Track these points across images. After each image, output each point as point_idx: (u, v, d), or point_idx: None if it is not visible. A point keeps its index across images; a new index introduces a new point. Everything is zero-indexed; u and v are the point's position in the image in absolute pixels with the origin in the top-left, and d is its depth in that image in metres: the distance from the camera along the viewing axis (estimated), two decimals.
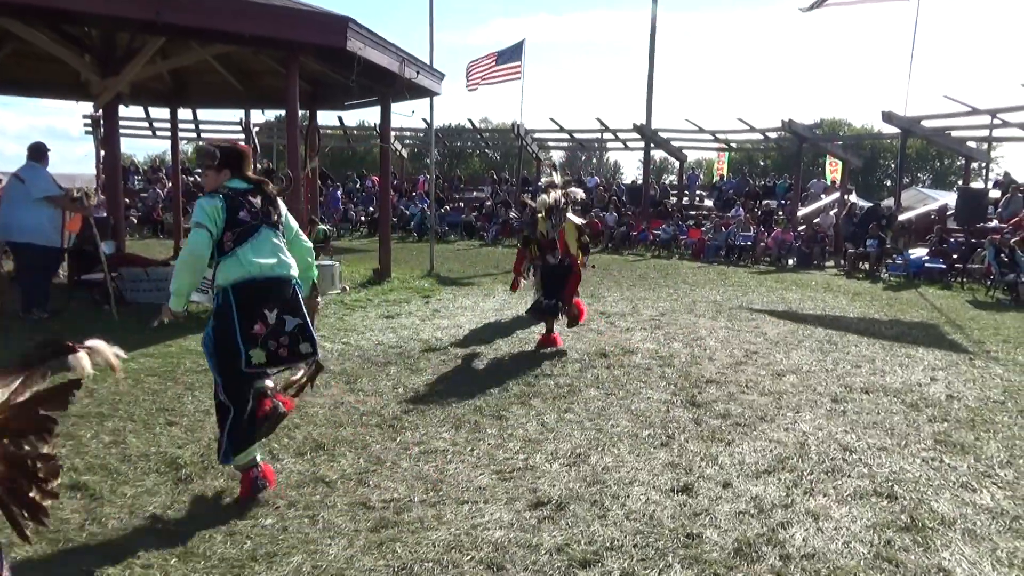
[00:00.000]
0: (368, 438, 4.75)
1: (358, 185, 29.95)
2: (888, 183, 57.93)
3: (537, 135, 29.46)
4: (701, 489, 4.04)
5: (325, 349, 7.14)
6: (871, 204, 20.77)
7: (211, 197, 3.71)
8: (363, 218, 25.13)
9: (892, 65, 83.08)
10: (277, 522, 3.56)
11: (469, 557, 3.27)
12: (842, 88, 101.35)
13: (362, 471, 4.21)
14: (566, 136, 29.73)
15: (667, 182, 34.91)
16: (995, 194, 19.07)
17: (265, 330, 3.67)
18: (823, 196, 24.54)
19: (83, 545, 3.29)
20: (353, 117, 37.89)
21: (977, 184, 21.95)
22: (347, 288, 10.99)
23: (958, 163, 46.99)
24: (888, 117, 18.87)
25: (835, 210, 20.93)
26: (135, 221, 22.40)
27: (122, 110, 12.91)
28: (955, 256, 15.45)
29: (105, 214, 12.39)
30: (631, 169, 71.75)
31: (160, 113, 26.08)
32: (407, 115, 27.42)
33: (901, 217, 19.09)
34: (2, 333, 7.33)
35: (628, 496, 3.93)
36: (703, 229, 20.94)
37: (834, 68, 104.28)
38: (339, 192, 28.15)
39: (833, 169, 28.49)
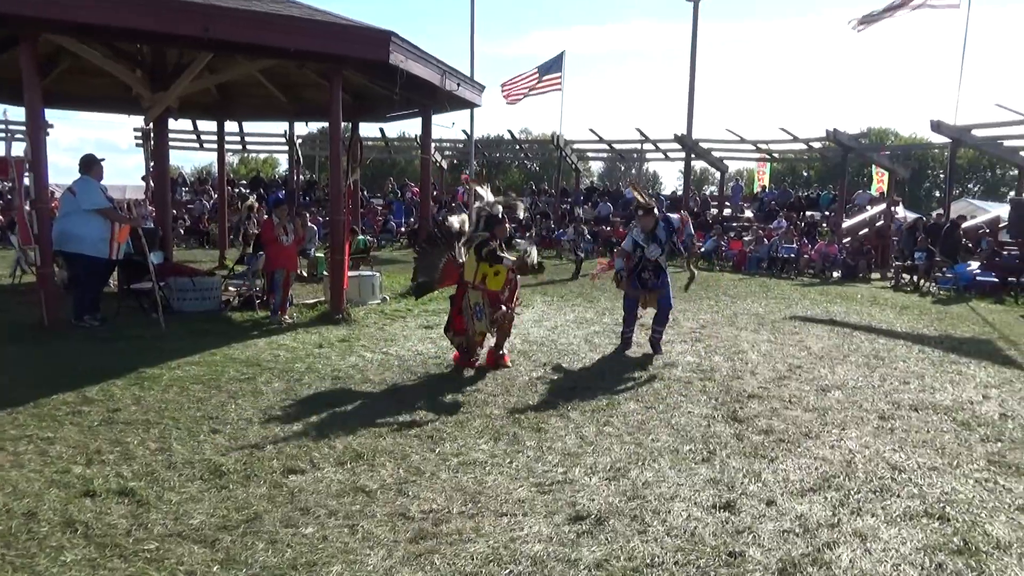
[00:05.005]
0: (407, 448, 4.76)
1: (399, 196, 30.22)
2: (937, 194, 56.68)
3: (577, 146, 29.48)
4: (744, 506, 3.96)
5: (365, 359, 7.21)
6: (918, 216, 20.18)
7: None
8: (403, 229, 25.32)
9: (941, 73, 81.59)
10: (317, 531, 3.59)
11: (508, 571, 3.25)
12: (889, 97, 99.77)
13: (401, 481, 4.22)
14: (605, 146, 29.68)
15: (707, 193, 34.58)
16: None
17: None
18: (868, 207, 24.04)
19: (129, 551, 3.35)
20: (394, 128, 38.41)
21: None
22: (387, 298, 11.07)
23: (1011, 173, 45.82)
24: (937, 126, 18.45)
25: (881, 222, 20.48)
26: (182, 232, 22.90)
27: (170, 123, 13.27)
28: (1008, 269, 15.00)
29: (153, 225, 12.76)
30: (671, 180, 71.42)
31: (207, 126, 26.66)
32: (447, 126, 27.59)
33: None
34: (56, 339, 7.56)
35: (669, 512, 3.87)
36: (745, 240, 20.66)
37: (881, 77, 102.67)
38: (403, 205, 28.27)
39: (879, 180, 27.93)
